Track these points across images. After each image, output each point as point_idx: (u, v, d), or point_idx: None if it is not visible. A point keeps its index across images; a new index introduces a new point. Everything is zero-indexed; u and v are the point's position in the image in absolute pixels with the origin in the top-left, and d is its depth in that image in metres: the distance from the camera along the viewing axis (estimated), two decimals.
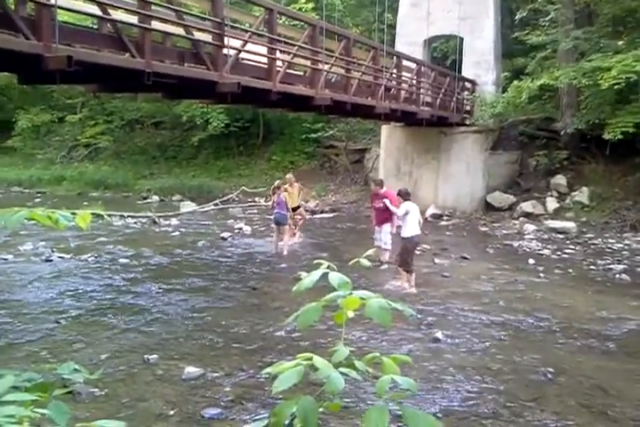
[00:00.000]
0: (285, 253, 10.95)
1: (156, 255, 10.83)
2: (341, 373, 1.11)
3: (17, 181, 24.99)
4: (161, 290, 8.31)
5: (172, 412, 4.52)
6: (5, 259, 10.13)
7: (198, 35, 8.50)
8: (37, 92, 27.50)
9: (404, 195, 8.71)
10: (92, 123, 27.43)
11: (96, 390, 4.81)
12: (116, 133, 27.29)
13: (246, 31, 9.30)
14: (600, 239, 13.88)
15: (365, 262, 1.43)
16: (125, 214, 15.88)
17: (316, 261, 1.40)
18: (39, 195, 22.45)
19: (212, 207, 18.65)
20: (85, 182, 24.28)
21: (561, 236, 14.35)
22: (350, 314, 1.27)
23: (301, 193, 12.50)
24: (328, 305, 1.29)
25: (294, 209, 11.84)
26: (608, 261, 11.32)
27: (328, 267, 1.32)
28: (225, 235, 13.17)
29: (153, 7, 7.38)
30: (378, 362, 1.23)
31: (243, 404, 4.66)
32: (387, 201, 9.44)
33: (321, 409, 1.29)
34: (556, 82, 15.29)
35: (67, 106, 27.78)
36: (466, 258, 11.32)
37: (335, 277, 1.27)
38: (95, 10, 6.87)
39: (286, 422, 1.12)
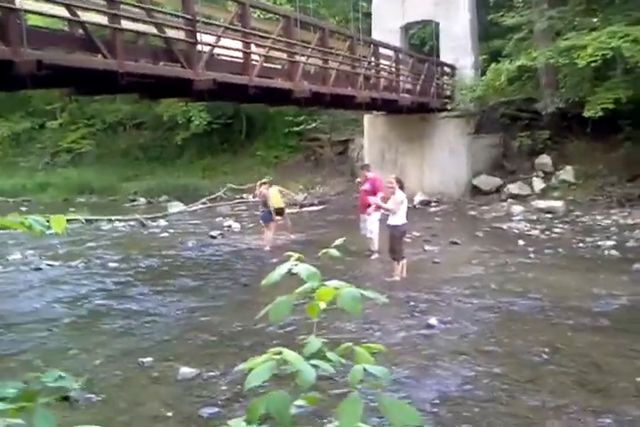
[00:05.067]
0: (268, 248, 10.97)
1: (145, 258, 10.77)
2: (313, 365, 1.10)
3: (0, 191, 24.72)
4: (152, 292, 8.26)
5: (169, 413, 4.48)
6: None
7: (171, 32, 8.41)
8: (15, 100, 27.19)
9: (402, 185, 8.49)
10: (72, 127, 27.20)
11: (92, 395, 4.77)
12: (97, 137, 27.08)
13: (219, 26, 9.21)
14: (588, 217, 13.97)
15: (334, 253, 1.41)
16: (112, 218, 15.77)
17: (286, 254, 1.38)
18: (25, 203, 22.25)
19: (200, 206, 18.57)
20: (71, 188, 24.07)
21: (549, 215, 14.43)
22: (322, 305, 1.25)
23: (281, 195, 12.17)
24: (300, 297, 1.28)
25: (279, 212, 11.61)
26: (597, 238, 11.39)
27: (298, 259, 1.30)
28: (214, 233, 13.12)
29: (123, 6, 7.30)
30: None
31: (240, 401, 4.64)
32: (375, 199, 9.24)
33: (300, 402, 1.27)
34: (534, 62, 15.33)
35: (46, 112, 27.50)
36: (456, 243, 11.35)
37: (302, 269, 1.25)
38: (64, 12, 6.77)
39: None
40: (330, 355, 1.15)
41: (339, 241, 1.47)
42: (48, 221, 1.93)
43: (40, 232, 1.84)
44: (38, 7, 6.96)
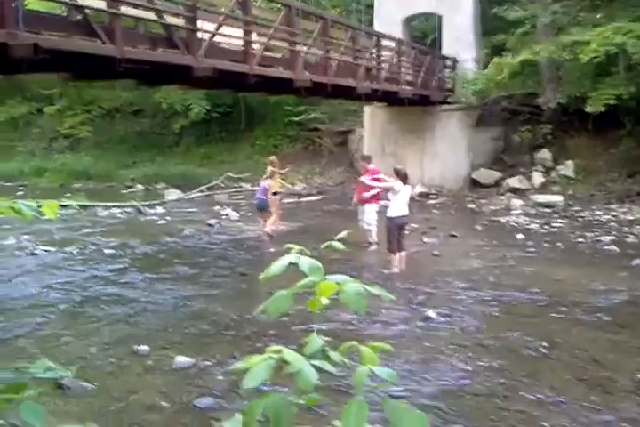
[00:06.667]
0: (266, 237, 10.89)
1: (142, 245, 10.70)
2: (314, 366, 1.03)
3: None
4: (148, 280, 8.20)
5: (164, 403, 4.42)
6: None
7: (171, 19, 8.30)
8: (12, 84, 26.92)
9: (403, 177, 8.32)
10: (70, 113, 26.96)
11: (86, 383, 4.71)
12: (95, 123, 26.86)
13: (220, 14, 9.07)
14: (587, 212, 13.93)
15: (338, 245, 1.34)
16: (109, 204, 15.67)
17: (287, 246, 1.31)
18: (21, 188, 22.11)
19: (198, 194, 18.46)
20: (67, 174, 23.96)
21: (548, 210, 14.39)
22: (324, 301, 1.18)
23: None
24: (300, 292, 1.21)
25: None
26: (596, 233, 11.34)
27: (300, 252, 1.23)
28: (212, 221, 13.05)
29: None
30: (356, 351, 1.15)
31: (236, 392, 4.58)
32: (365, 179, 9.47)
33: (301, 401, 1.20)
34: (537, 57, 15.22)
35: (44, 97, 27.23)
36: (454, 236, 11.30)
37: (306, 263, 1.18)
38: None
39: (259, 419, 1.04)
40: (332, 354, 1.08)
41: (343, 233, 1.40)
42: (40, 206, 1.86)
43: (31, 217, 1.78)
44: None
